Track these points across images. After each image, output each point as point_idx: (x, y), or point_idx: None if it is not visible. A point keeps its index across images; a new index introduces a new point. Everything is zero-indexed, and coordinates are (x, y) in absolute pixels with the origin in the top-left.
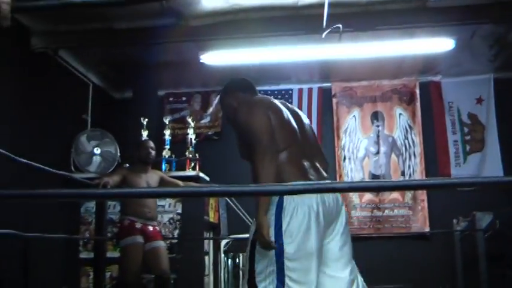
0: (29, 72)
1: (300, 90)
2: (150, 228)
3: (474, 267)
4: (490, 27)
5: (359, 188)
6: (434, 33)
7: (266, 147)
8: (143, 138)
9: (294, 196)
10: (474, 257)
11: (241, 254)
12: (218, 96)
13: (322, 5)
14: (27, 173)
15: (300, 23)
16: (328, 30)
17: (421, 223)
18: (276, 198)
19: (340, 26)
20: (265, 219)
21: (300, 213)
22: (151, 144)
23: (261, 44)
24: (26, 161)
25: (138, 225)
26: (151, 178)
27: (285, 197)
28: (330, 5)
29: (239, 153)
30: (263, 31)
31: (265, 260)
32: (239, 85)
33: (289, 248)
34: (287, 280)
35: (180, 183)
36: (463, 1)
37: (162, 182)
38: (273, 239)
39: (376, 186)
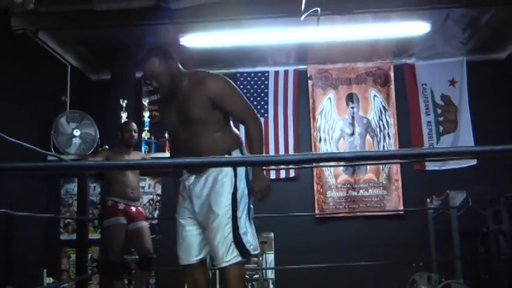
0: (8, 53)
1: (276, 73)
2: (133, 208)
3: (447, 244)
4: (463, 10)
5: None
6: (409, 16)
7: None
8: (126, 120)
9: None
10: (447, 234)
11: None
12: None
13: None
14: (11, 155)
15: (279, 6)
16: (307, 14)
17: (395, 202)
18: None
19: (319, 9)
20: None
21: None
22: (135, 126)
23: (240, 27)
24: (14, 139)
25: (121, 206)
26: (133, 159)
27: None
28: None
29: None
30: (243, 14)
31: (243, 204)
32: (171, 53)
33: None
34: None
35: None
36: None
37: None
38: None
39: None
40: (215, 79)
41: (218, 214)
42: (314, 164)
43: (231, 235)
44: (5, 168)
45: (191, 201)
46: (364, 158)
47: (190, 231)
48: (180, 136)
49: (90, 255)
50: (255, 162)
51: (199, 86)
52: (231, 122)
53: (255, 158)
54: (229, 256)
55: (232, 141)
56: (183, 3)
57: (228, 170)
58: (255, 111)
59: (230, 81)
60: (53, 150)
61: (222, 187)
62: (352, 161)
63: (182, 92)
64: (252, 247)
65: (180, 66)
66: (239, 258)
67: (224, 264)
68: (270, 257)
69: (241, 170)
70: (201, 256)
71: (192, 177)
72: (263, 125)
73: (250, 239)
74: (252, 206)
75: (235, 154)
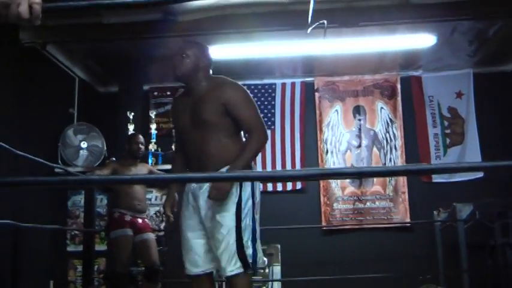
0: (17, 66)
1: (283, 85)
2: (140, 220)
3: (455, 257)
4: (470, 23)
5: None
6: (416, 29)
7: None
8: (133, 133)
9: None
10: (455, 247)
11: None
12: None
13: (307, 1)
14: (19, 167)
15: (286, 19)
16: (314, 26)
17: (402, 215)
18: None
19: (325, 21)
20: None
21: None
22: (141, 139)
23: (247, 40)
24: (22, 152)
25: (128, 218)
26: (140, 171)
27: None
28: (315, 1)
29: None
30: (250, 27)
31: (248, 215)
32: (210, 55)
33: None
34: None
35: None
36: None
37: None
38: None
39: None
40: (233, 87)
41: (222, 224)
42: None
43: (234, 246)
44: (4, 184)
45: (198, 207)
46: (365, 174)
47: (197, 243)
48: (189, 136)
49: (96, 266)
50: (248, 178)
51: (216, 91)
52: (242, 133)
53: (247, 174)
54: (232, 267)
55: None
56: (190, 16)
57: None
58: (265, 126)
59: (247, 92)
60: (60, 162)
61: (227, 198)
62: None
63: (199, 93)
64: (254, 260)
65: (209, 69)
66: (242, 270)
67: (227, 274)
68: (277, 269)
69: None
70: (207, 268)
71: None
72: (270, 137)
73: (253, 251)
74: (257, 217)
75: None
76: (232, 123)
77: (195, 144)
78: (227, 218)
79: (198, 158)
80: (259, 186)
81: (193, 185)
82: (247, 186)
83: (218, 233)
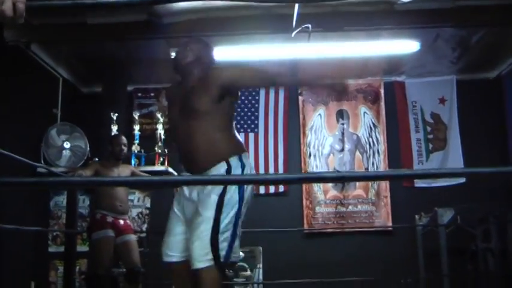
0: (0, 65)
1: (267, 88)
2: (121, 221)
3: (436, 262)
4: (453, 30)
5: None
6: (400, 35)
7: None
8: (116, 134)
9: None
10: (436, 252)
11: None
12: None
13: (292, 5)
14: (1, 167)
15: (271, 22)
16: (298, 30)
17: (384, 219)
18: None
19: (310, 26)
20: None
21: None
22: (124, 140)
23: (231, 42)
24: (4, 151)
25: (110, 219)
26: (123, 172)
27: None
28: (300, 5)
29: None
30: (234, 30)
31: (230, 209)
32: (212, 52)
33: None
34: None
35: None
36: (428, 5)
37: (133, 176)
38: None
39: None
40: (225, 67)
41: (201, 214)
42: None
43: (208, 237)
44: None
45: (191, 198)
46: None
47: (178, 228)
48: (179, 129)
49: (78, 267)
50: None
51: (210, 77)
52: (234, 127)
53: (238, 178)
54: (203, 258)
55: (233, 146)
56: (175, 18)
57: (223, 172)
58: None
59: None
60: (43, 162)
61: (211, 188)
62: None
63: (192, 83)
64: (226, 258)
65: (210, 62)
66: (212, 263)
67: (196, 266)
68: (258, 272)
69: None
70: (183, 255)
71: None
72: (253, 140)
73: (228, 246)
74: (241, 214)
75: (234, 161)
76: (225, 112)
77: (184, 138)
78: (206, 207)
79: (189, 153)
80: (251, 185)
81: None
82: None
83: (195, 222)
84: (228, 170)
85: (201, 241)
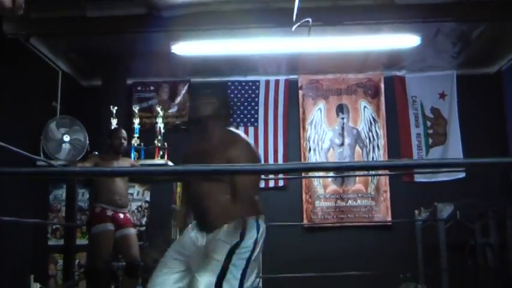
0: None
1: (267, 82)
2: (121, 215)
3: (435, 256)
4: (454, 25)
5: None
6: (400, 29)
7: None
8: (115, 127)
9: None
10: (435, 246)
11: None
12: (206, 93)
13: None
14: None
15: (271, 16)
16: (298, 24)
17: (383, 213)
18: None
19: (310, 20)
20: None
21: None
22: (124, 133)
23: (231, 36)
24: (3, 144)
25: (109, 213)
26: (122, 165)
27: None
28: None
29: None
30: (234, 23)
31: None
32: (229, 107)
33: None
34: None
35: None
36: None
37: None
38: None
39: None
40: (240, 146)
41: (212, 257)
42: (303, 174)
43: (214, 279)
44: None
45: (189, 253)
46: (347, 168)
47: (175, 270)
48: (192, 187)
49: (77, 261)
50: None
51: (224, 145)
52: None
53: (229, 168)
54: None
55: (247, 208)
56: (175, 11)
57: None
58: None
59: (253, 153)
60: (42, 155)
61: (223, 240)
62: (335, 171)
63: (209, 144)
64: None
65: (228, 120)
66: None
67: None
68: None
69: (252, 234)
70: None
71: (200, 237)
72: (253, 134)
73: None
74: (254, 273)
75: (251, 224)
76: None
77: (196, 197)
78: (216, 254)
79: (199, 211)
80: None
81: (193, 234)
82: (252, 234)
83: (202, 264)
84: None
85: (206, 283)
